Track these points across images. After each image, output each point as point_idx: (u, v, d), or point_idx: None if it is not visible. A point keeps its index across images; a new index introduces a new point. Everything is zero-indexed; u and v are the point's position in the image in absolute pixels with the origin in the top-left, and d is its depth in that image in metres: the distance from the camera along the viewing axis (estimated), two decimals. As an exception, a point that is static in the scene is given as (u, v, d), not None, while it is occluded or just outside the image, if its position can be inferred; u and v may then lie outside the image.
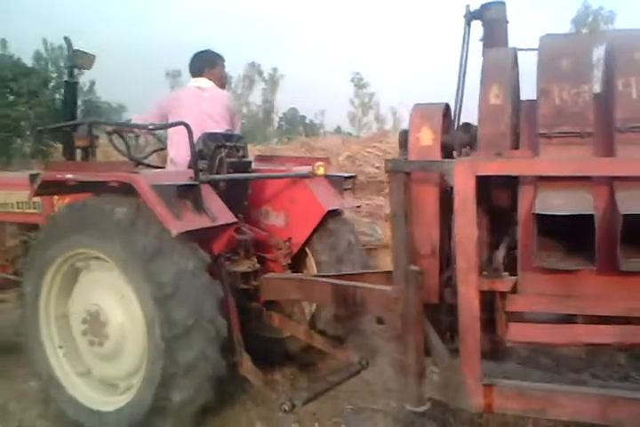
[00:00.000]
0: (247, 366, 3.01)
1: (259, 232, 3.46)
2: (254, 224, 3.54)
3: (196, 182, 2.86)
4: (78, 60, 3.65)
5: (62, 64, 24.46)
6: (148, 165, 3.65)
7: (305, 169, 3.43)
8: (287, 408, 2.84)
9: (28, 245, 3.22)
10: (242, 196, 3.43)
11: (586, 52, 2.24)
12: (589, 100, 2.16)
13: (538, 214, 2.06)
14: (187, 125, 2.94)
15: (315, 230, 3.47)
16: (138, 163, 3.40)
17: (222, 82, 3.79)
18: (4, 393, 3.52)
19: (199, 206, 2.83)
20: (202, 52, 3.79)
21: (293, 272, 3.48)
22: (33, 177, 3.10)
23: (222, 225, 2.93)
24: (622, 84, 2.12)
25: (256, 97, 57.05)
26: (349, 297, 2.88)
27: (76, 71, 3.82)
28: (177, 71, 55.67)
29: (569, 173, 2.15)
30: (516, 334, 2.37)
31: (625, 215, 1.95)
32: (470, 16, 3.09)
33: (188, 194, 2.79)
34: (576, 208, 2.01)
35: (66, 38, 3.60)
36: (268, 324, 3.41)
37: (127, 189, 2.74)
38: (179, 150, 3.35)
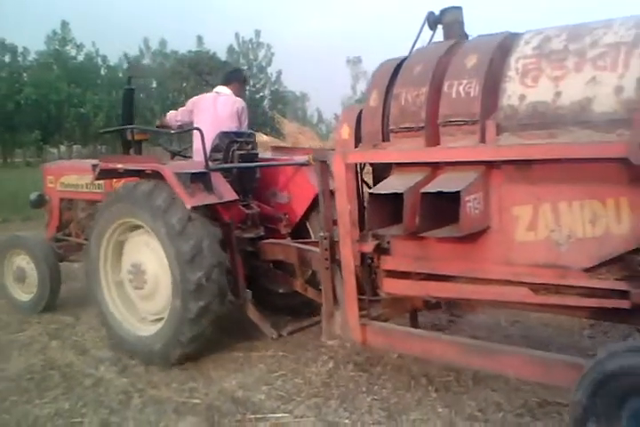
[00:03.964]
0: (249, 306, 4.00)
1: (265, 207, 4.39)
2: (266, 202, 4.47)
3: (207, 170, 3.88)
4: (134, 70, 4.88)
5: (251, 57, 26.21)
6: (183, 156, 4.78)
7: (303, 158, 4.27)
8: (274, 336, 3.93)
9: (93, 216, 4.30)
10: (251, 180, 4.38)
11: (431, 59, 2.72)
12: (424, 100, 2.67)
13: (371, 193, 2.69)
14: (199, 130, 3.97)
15: (311, 208, 4.29)
16: (173, 154, 4.51)
17: (238, 94, 4.75)
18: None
19: (209, 188, 3.83)
20: (238, 69, 4.78)
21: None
22: (94, 166, 4.26)
23: (228, 202, 3.91)
24: (447, 85, 2.59)
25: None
26: (304, 257, 3.72)
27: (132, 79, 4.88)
28: (357, 58, 56.42)
29: (403, 160, 2.73)
30: (388, 287, 2.99)
31: (422, 193, 2.50)
32: (434, 20, 3.61)
33: (200, 179, 3.80)
34: (392, 188, 2.60)
35: (126, 55, 4.88)
36: (274, 279, 4.37)
37: (158, 175, 3.85)
38: (199, 145, 4.40)
